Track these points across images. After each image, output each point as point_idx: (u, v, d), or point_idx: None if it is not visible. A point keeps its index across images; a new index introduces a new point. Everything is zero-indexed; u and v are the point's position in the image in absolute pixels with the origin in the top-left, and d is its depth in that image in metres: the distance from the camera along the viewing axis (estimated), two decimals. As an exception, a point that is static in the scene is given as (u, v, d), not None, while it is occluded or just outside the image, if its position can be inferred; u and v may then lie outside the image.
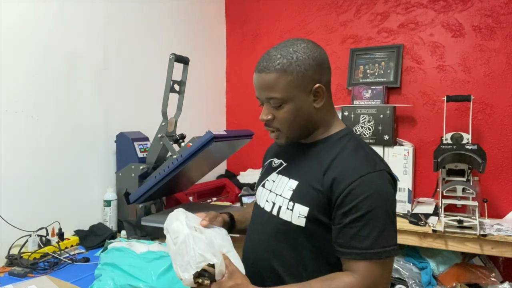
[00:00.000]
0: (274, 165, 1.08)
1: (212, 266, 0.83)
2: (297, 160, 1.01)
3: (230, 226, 1.11)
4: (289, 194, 0.96)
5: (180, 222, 0.92)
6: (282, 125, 0.96)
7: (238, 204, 2.21)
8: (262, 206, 1.03)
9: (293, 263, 0.94)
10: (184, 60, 1.76)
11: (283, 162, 1.05)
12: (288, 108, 0.93)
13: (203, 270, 0.82)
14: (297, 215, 0.92)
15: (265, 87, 0.93)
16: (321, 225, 0.91)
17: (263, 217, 1.02)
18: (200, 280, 0.82)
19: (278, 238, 0.96)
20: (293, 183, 0.96)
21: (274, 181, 1.03)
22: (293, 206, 0.93)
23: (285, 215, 0.95)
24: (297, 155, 1.02)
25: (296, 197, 0.94)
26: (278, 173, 1.04)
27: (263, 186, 1.07)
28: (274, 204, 0.99)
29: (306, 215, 0.91)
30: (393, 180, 0.94)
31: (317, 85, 0.93)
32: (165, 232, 0.95)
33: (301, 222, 0.92)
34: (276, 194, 0.99)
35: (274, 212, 0.98)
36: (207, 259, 0.83)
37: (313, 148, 0.99)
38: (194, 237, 0.87)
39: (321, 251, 0.93)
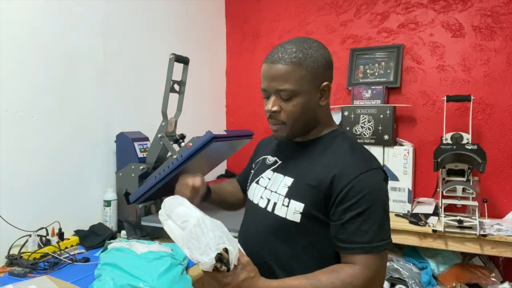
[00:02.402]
0: (269, 162, 1.09)
1: (227, 252, 0.81)
2: (292, 158, 1.03)
3: (207, 195, 1.18)
4: (284, 191, 0.97)
5: (185, 207, 0.90)
6: (288, 118, 0.96)
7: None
8: (256, 202, 1.04)
9: (286, 257, 0.95)
10: (184, 60, 1.76)
11: (278, 160, 1.06)
12: (297, 102, 0.94)
13: (221, 254, 0.80)
14: (293, 211, 0.94)
15: (278, 77, 0.93)
16: (316, 220, 0.93)
17: (257, 213, 1.03)
18: (218, 265, 0.79)
19: (272, 233, 0.97)
20: (289, 180, 0.98)
21: (269, 179, 1.04)
22: (288, 203, 0.95)
23: (280, 211, 0.96)
24: (292, 153, 1.03)
25: (292, 193, 0.95)
26: (273, 170, 1.05)
27: (257, 182, 1.08)
28: (269, 200, 1.00)
29: (301, 211, 0.93)
30: (386, 176, 0.98)
31: (325, 83, 0.96)
32: (163, 218, 0.92)
33: (296, 218, 0.93)
34: (271, 191, 1.01)
35: (269, 209, 0.99)
36: (226, 242, 0.81)
37: (308, 147, 1.01)
38: (209, 220, 0.85)
39: (315, 245, 0.94)
